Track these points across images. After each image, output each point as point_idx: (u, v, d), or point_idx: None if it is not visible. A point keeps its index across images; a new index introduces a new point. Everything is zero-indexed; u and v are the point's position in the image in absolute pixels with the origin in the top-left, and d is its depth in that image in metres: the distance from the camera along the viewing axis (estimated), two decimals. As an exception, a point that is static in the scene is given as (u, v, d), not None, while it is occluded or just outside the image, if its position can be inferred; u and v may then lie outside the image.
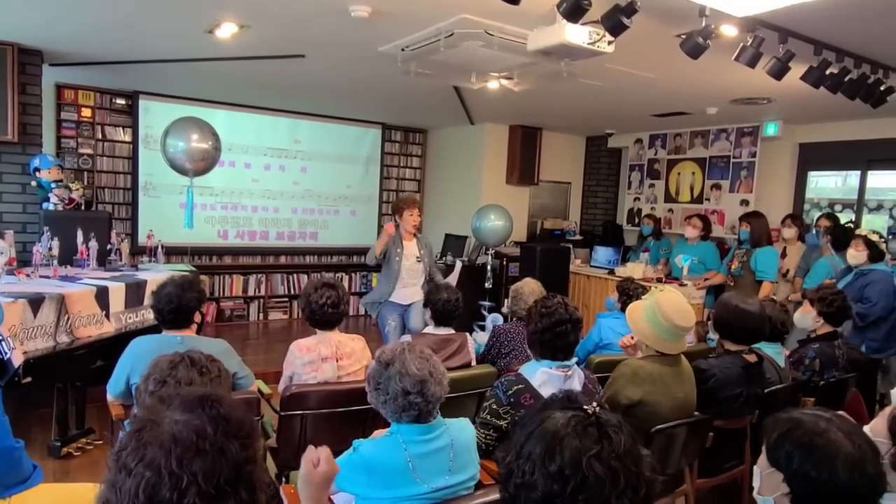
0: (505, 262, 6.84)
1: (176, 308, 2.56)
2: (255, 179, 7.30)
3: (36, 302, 3.28)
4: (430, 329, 3.26)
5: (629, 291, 3.59)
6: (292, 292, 7.51)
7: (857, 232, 4.47)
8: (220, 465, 0.87)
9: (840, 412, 1.35)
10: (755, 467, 1.37)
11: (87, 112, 6.32)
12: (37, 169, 4.60)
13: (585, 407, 1.08)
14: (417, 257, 4.52)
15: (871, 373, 3.82)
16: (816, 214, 6.27)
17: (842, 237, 4.77)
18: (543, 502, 1.01)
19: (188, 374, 1.65)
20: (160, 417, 0.91)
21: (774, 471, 1.27)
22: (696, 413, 2.61)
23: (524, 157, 7.59)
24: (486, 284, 6.16)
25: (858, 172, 6.11)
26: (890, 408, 1.83)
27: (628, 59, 4.09)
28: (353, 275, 7.95)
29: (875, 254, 4.22)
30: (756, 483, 1.35)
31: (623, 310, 3.59)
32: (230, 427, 0.92)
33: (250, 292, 7.30)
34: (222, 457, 0.88)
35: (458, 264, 4.84)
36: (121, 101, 6.49)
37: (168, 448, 0.86)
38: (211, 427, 0.90)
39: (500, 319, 4.72)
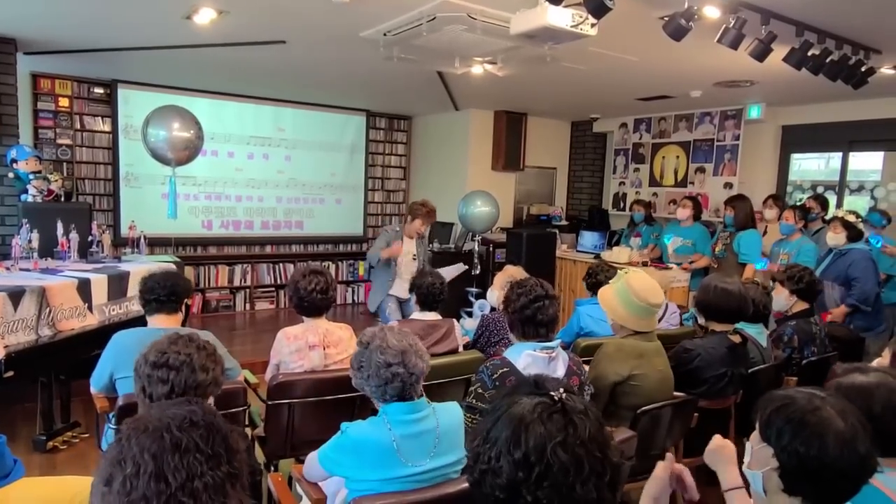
0: (491, 249, 6.85)
1: (172, 288, 2.59)
2: (239, 168, 7.22)
3: (16, 295, 3.23)
4: (417, 315, 3.27)
5: (595, 273, 3.61)
6: (278, 282, 7.48)
7: (834, 213, 4.53)
8: (212, 433, 1.00)
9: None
10: (747, 442, 1.38)
11: (64, 101, 6.20)
12: (14, 160, 4.51)
13: (552, 393, 1.07)
14: (413, 255, 4.84)
15: (859, 349, 3.90)
16: (801, 196, 6.35)
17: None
18: (508, 489, 1.01)
19: (187, 348, 1.70)
20: (145, 420, 1.00)
21: (765, 446, 1.29)
22: (677, 394, 2.65)
23: (509, 143, 7.57)
24: (474, 271, 6.16)
25: (840, 154, 6.17)
26: None
27: (611, 43, 4.08)
28: (339, 263, 7.92)
29: (853, 234, 4.28)
30: (746, 458, 1.37)
31: (589, 290, 3.62)
32: (213, 414, 1.05)
33: (236, 283, 7.25)
34: (213, 427, 1.01)
35: (460, 267, 5.03)
36: (99, 90, 6.38)
37: (167, 423, 0.98)
38: (199, 410, 1.03)
39: (487, 306, 4.72)
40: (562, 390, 1.08)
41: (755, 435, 1.34)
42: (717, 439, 1.63)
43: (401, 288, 4.74)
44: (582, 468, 0.99)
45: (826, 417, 1.22)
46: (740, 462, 1.46)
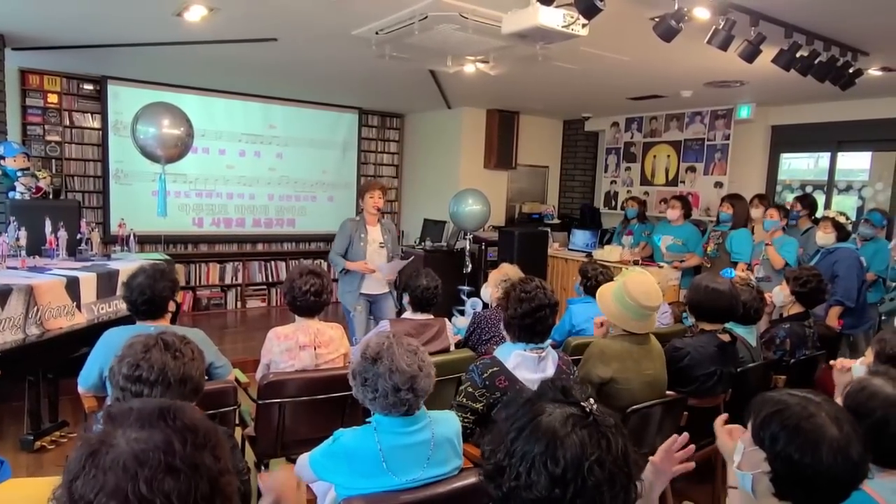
0: (483, 247, 6.86)
1: (149, 299, 2.52)
2: (230, 166, 7.19)
3: (3, 294, 3.19)
4: (408, 314, 3.26)
5: (588, 273, 3.61)
6: (270, 280, 7.46)
7: (825, 214, 4.58)
8: (196, 482, 0.79)
9: (821, 394, 1.37)
10: (738, 442, 1.38)
11: (53, 98, 6.15)
12: (1, 157, 4.46)
13: (583, 404, 1.04)
14: (381, 243, 4.51)
15: (837, 346, 3.95)
16: (790, 196, 6.40)
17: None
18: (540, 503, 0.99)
19: (162, 357, 1.62)
20: (114, 437, 0.80)
21: (757, 449, 1.28)
22: (668, 392, 2.66)
23: (502, 141, 7.58)
24: (465, 269, 6.17)
25: (829, 154, 6.22)
26: (845, 381, 1.87)
27: (603, 43, 4.09)
28: (331, 261, 7.90)
29: (843, 235, 4.34)
30: (737, 458, 1.36)
31: (584, 290, 3.63)
32: (198, 438, 0.83)
33: (227, 280, 7.22)
34: (196, 472, 0.79)
35: (399, 263, 4.56)
36: (88, 87, 6.33)
37: (133, 471, 0.76)
38: (178, 441, 0.80)
39: (479, 304, 4.73)
40: (591, 401, 1.05)
41: (747, 436, 1.33)
42: (721, 429, 1.61)
43: (371, 284, 4.45)
44: (614, 484, 0.99)
45: (821, 424, 1.21)
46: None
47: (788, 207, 5.17)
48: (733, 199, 5.28)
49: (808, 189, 6.29)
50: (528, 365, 2.26)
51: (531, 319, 2.25)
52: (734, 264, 5.00)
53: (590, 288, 3.59)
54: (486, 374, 2.24)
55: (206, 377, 1.94)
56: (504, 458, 1.03)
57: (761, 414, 1.30)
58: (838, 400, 1.62)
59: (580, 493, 0.97)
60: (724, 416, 1.58)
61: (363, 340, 1.83)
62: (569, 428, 1.00)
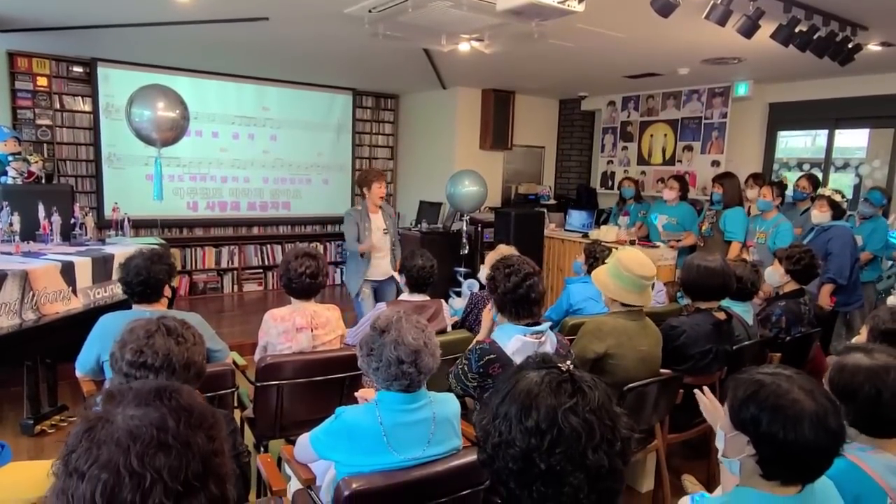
0: (480, 228, 6.85)
1: (144, 280, 2.50)
2: (224, 149, 7.13)
3: (-2, 279, 3.18)
4: (405, 296, 3.27)
5: (595, 254, 3.63)
6: (266, 263, 7.45)
7: (821, 192, 4.56)
8: (187, 459, 0.81)
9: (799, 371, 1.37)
10: (718, 429, 1.38)
11: (42, 81, 6.06)
12: (-8, 141, 4.42)
13: (560, 365, 1.09)
14: (384, 230, 4.58)
15: (832, 323, 3.98)
16: (787, 174, 6.38)
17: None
18: (522, 458, 1.01)
19: (165, 343, 1.61)
20: (112, 414, 0.83)
21: (738, 434, 1.29)
22: (663, 371, 2.68)
23: (497, 122, 7.52)
24: (462, 251, 6.16)
25: (826, 131, 6.20)
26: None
27: (599, 19, 4.04)
28: (328, 244, 7.89)
29: (838, 213, 4.34)
30: (720, 445, 1.37)
31: (590, 272, 3.64)
32: (193, 418, 0.86)
33: (223, 264, 7.20)
34: (188, 450, 0.82)
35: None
36: (78, 69, 6.24)
37: (126, 445, 0.78)
38: (172, 419, 0.83)
39: (475, 286, 4.73)
40: (569, 363, 1.10)
41: (727, 422, 1.34)
42: (705, 401, 1.63)
43: (376, 269, 4.54)
44: (593, 434, 1.00)
45: (797, 400, 1.23)
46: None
47: (795, 187, 5.15)
48: (723, 178, 5.27)
49: (806, 167, 6.28)
50: (527, 351, 2.24)
51: (524, 289, 2.23)
52: (728, 243, 5.01)
53: (595, 269, 3.61)
54: (482, 362, 2.23)
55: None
56: (489, 423, 1.08)
57: (738, 398, 1.31)
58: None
59: (557, 442, 1.00)
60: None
61: (376, 314, 1.86)
62: (544, 385, 1.05)
